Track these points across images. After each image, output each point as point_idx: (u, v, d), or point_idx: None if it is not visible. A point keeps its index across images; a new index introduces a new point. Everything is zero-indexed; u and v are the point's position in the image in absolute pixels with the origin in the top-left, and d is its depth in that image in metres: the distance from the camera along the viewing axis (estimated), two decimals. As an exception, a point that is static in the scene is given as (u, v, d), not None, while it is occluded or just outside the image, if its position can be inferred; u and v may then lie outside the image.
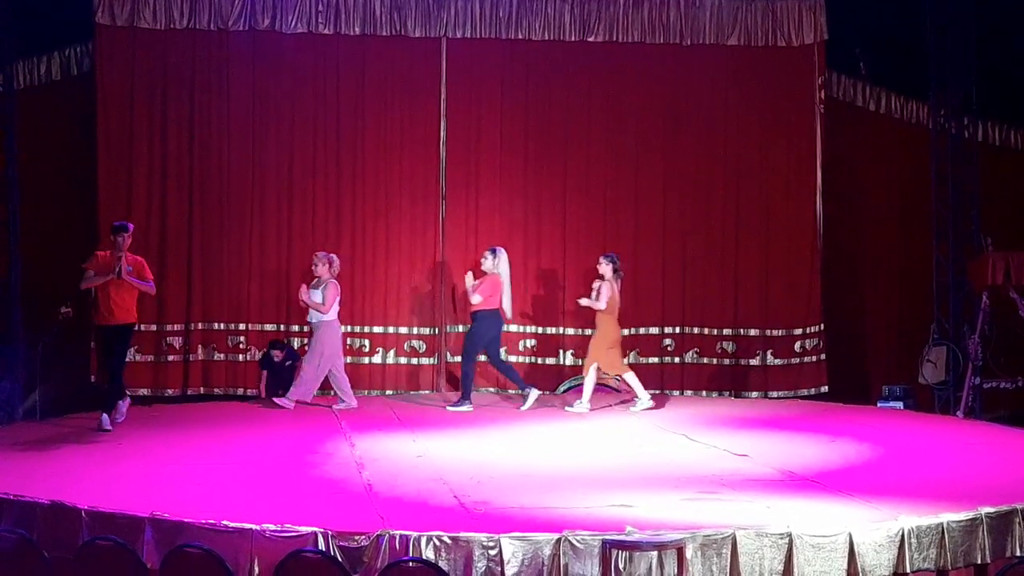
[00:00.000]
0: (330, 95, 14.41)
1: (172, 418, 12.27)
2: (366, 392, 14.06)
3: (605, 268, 12.97)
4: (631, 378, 13.06)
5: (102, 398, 11.60)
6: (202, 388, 13.93)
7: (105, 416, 11.30)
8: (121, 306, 11.34)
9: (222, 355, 14.09)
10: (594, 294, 12.96)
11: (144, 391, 13.67)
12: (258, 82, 14.26)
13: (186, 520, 7.55)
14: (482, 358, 13.48)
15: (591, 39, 14.64)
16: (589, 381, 12.99)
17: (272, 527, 7.36)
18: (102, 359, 12.15)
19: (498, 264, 13.14)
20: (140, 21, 13.93)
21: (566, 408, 12.94)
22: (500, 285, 13.09)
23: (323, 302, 12.66)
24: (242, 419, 12.28)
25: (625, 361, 13.48)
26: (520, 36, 14.57)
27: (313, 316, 12.78)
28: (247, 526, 7.38)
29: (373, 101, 14.48)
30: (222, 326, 14.07)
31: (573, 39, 14.62)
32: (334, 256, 13.13)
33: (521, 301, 14.48)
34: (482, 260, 13.24)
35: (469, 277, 13.23)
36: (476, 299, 12.98)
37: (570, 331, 14.60)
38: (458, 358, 14.06)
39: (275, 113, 14.31)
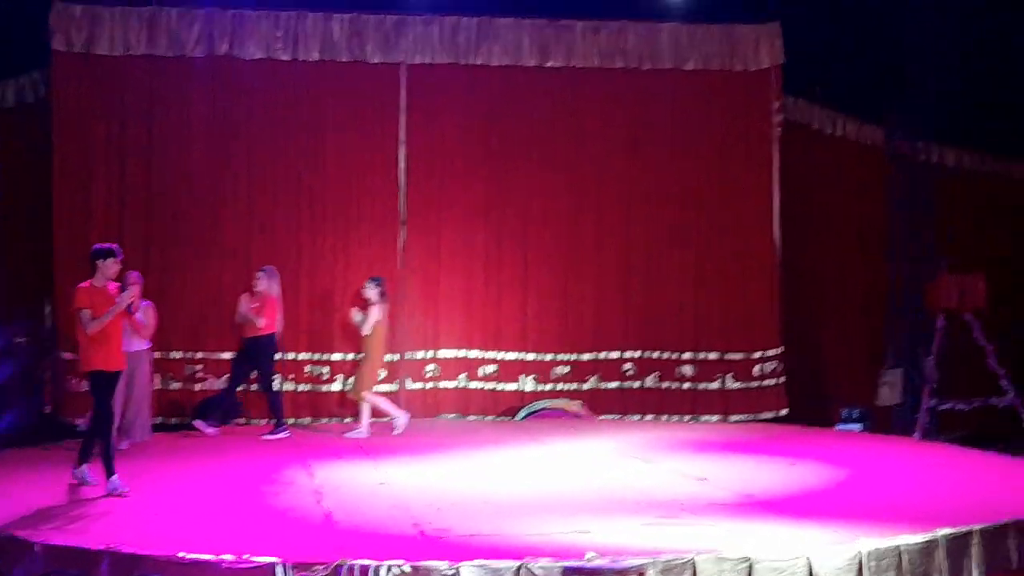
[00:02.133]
0: (290, 120, 14.39)
1: (129, 448, 12.12)
2: (326, 420, 13.99)
3: (371, 292, 12.91)
4: (384, 402, 13.09)
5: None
6: (160, 418, 13.78)
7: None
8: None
9: (179, 384, 13.98)
10: (359, 314, 12.91)
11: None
12: (217, 108, 14.22)
13: (143, 552, 7.45)
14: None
15: (550, 64, 14.71)
16: (367, 407, 12.95)
17: (230, 558, 7.28)
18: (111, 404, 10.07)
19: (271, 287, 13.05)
20: (97, 48, 13.87)
21: (345, 435, 12.86)
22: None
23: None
24: (200, 448, 12.18)
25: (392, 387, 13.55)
26: (479, 62, 14.61)
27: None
28: (205, 557, 7.30)
29: (332, 126, 14.47)
30: (179, 355, 13.97)
31: (532, 64, 14.69)
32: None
33: (483, 326, 14.49)
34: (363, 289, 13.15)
35: (355, 312, 13.10)
36: (367, 329, 12.89)
37: (530, 356, 14.59)
38: (418, 385, 14.05)
39: (234, 139, 14.26)
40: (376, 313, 12.80)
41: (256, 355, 12.95)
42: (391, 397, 13.70)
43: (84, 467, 9.83)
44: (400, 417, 13.06)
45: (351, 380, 13.45)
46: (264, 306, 12.85)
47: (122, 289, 9.98)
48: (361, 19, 14.39)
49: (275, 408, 13.01)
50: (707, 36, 14.94)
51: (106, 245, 9.98)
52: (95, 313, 9.57)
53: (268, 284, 13.00)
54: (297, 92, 14.41)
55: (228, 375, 13.29)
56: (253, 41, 14.17)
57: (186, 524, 8.56)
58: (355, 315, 13.01)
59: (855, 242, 15.34)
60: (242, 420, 13.88)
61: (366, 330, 12.80)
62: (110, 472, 9.56)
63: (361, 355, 13.11)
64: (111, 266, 9.80)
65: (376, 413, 13.08)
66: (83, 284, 9.76)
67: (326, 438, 12.69)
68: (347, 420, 13.77)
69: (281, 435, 12.74)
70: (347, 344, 14.22)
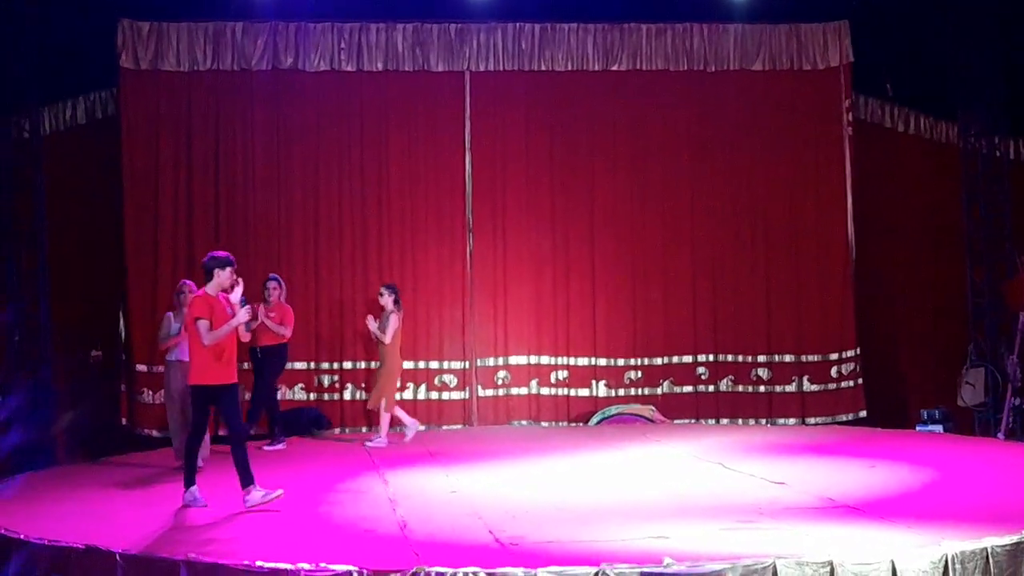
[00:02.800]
0: (354, 131, 14.45)
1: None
2: (397, 428, 13.99)
3: (387, 300, 12.65)
4: (401, 414, 12.85)
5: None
6: (221, 431, 13.84)
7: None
8: None
9: (248, 393, 14.02)
10: (377, 324, 12.61)
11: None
12: (282, 120, 14.32)
13: (221, 562, 7.47)
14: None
15: (615, 68, 14.64)
16: (386, 417, 12.75)
17: (307, 566, 7.27)
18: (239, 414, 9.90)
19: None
20: (164, 64, 14.02)
21: (366, 444, 12.67)
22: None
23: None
24: (274, 458, 12.21)
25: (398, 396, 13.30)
26: (543, 68, 14.57)
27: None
28: (282, 566, 7.30)
29: (397, 136, 14.50)
30: (249, 365, 14.02)
31: (596, 68, 14.62)
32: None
33: (553, 331, 14.44)
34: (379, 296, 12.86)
35: (371, 320, 12.80)
36: (387, 338, 12.66)
37: (601, 361, 14.50)
38: (490, 392, 14.04)
39: (300, 151, 14.34)
40: (395, 321, 12.63)
41: (268, 364, 12.74)
42: (404, 405, 13.59)
43: (193, 488, 9.49)
44: (412, 427, 12.88)
45: (372, 391, 13.17)
46: (284, 315, 12.73)
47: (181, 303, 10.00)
48: (424, 28, 14.42)
49: (276, 419, 12.81)
50: (774, 36, 14.80)
51: (222, 253, 9.58)
52: (213, 325, 9.20)
53: (282, 293, 12.89)
54: (362, 102, 14.47)
55: (256, 391, 12.87)
56: (317, 53, 14.25)
57: (262, 533, 8.57)
58: (371, 323, 12.71)
59: (931, 241, 15.11)
60: (337, 430, 13.91)
61: (388, 338, 12.63)
62: (190, 483, 9.50)
63: (378, 364, 12.91)
64: (228, 276, 9.42)
65: (393, 422, 12.95)
66: (199, 293, 9.44)
67: (398, 447, 12.67)
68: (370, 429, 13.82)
69: (278, 447, 12.55)
70: (418, 352, 14.22)
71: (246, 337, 9.86)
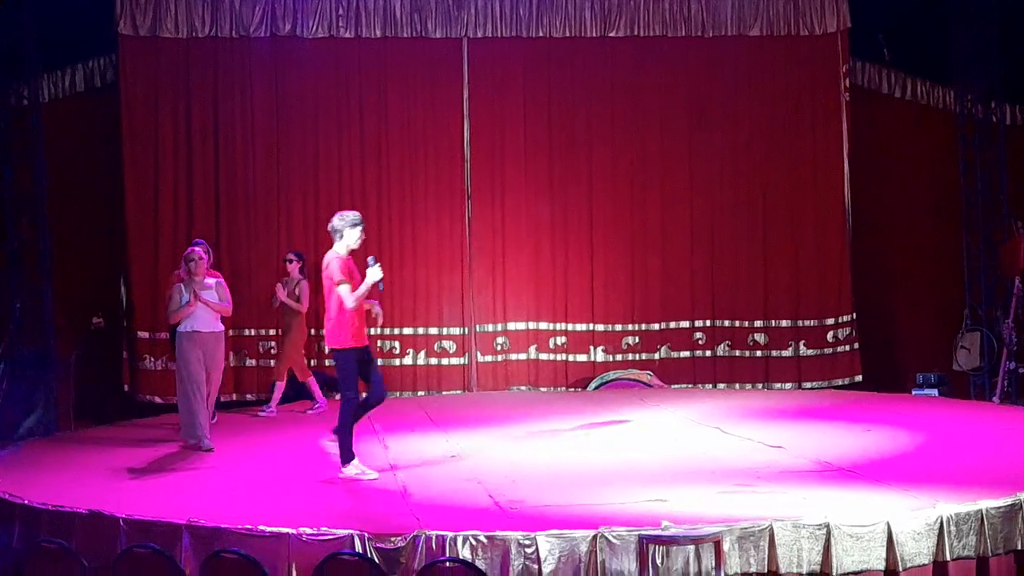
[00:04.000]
0: (353, 98, 14.45)
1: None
2: (398, 394, 14.09)
3: (294, 267, 12.55)
4: (314, 387, 12.76)
5: None
6: (234, 395, 13.95)
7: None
8: None
9: (253, 361, 14.14)
10: (284, 292, 12.49)
11: (172, 399, 13.71)
12: (281, 87, 14.32)
13: (223, 526, 7.56)
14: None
15: (612, 34, 14.62)
16: (281, 387, 12.70)
17: (308, 531, 7.36)
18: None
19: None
20: (162, 31, 14.01)
21: (258, 413, 12.66)
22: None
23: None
24: (274, 424, 12.31)
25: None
26: (541, 34, 14.56)
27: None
28: (283, 530, 7.39)
29: (396, 103, 14.50)
30: (252, 332, 14.12)
31: (594, 35, 14.60)
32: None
33: (551, 298, 14.51)
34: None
35: (280, 288, 12.66)
36: (304, 306, 12.60)
37: (599, 327, 14.56)
38: (489, 357, 14.14)
39: (299, 117, 14.35)
40: (306, 288, 12.49)
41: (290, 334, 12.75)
42: (405, 371, 13.77)
43: (355, 460, 9.16)
44: (321, 404, 12.68)
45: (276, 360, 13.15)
46: (303, 290, 12.69)
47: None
48: (423, -6, 14.40)
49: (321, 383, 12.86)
50: (771, 2, 14.75)
51: (351, 213, 9.24)
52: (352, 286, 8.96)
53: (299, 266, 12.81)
54: (360, 69, 14.46)
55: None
56: (316, 20, 14.23)
57: (265, 498, 8.67)
58: (280, 291, 12.54)
59: (928, 206, 15.10)
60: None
61: (305, 306, 12.48)
62: (349, 457, 9.13)
63: (282, 332, 12.83)
64: (358, 235, 9.14)
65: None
66: (336, 255, 9.05)
67: (398, 412, 12.75)
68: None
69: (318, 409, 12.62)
70: (417, 319, 14.30)
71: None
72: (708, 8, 14.68)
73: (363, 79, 14.48)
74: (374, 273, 9.06)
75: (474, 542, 7.23)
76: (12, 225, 12.94)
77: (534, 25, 14.54)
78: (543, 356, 14.44)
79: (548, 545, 7.21)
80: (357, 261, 9.37)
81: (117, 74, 14.04)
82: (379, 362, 14.15)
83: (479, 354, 14.49)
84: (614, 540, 7.21)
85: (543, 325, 14.48)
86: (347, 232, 9.11)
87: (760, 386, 14.59)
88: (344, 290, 8.96)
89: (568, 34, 14.58)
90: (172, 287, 11.01)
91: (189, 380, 10.59)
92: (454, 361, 14.43)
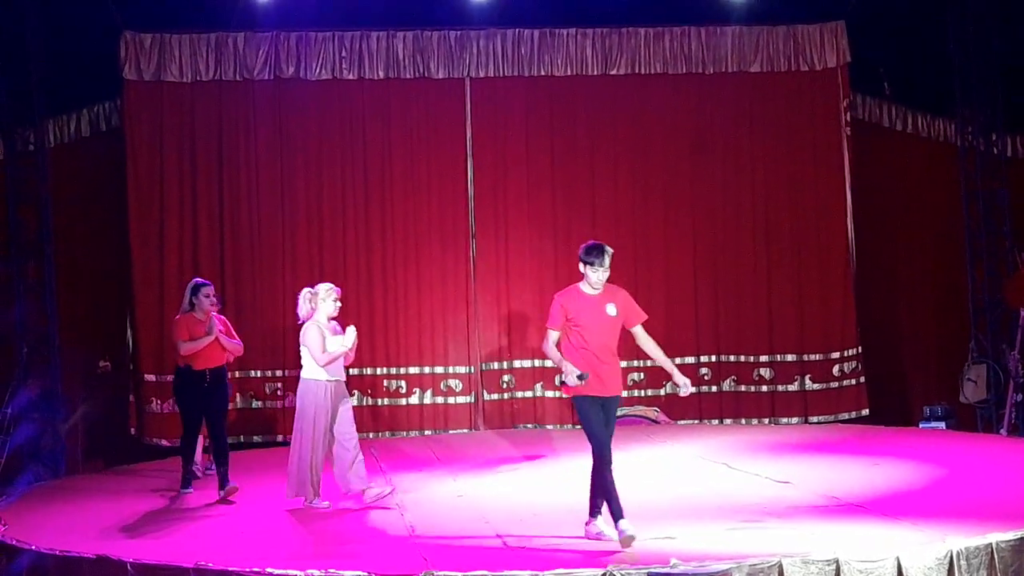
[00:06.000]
0: (356, 139, 14.51)
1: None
2: (404, 433, 14.09)
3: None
4: None
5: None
6: (241, 437, 13.92)
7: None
8: None
9: (260, 402, 14.14)
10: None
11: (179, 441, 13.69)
12: (284, 129, 14.39)
13: (231, 568, 7.53)
14: None
15: (613, 72, 14.69)
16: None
17: (317, 572, 7.34)
18: None
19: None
20: (166, 75, 14.09)
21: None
22: None
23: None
24: (282, 465, 12.27)
25: None
26: (543, 73, 14.63)
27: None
28: (292, 572, 7.37)
29: (399, 143, 14.57)
30: (258, 373, 14.12)
31: (595, 73, 14.67)
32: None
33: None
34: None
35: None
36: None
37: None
38: (495, 396, 14.10)
39: (302, 159, 14.41)
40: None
41: None
42: (411, 410, 13.91)
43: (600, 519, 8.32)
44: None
45: None
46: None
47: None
48: (424, 36, 14.48)
49: None
50: (771, 38, 14.84)
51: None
52: None
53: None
54: (363, 110, 14.53)
55: None
56: (319, 62, 14.31)
57: (272, 539, 8.65)
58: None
59: (931, 239, 15.14)
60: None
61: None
62: None
63: None
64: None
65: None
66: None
67: (405, 452, 12.73)
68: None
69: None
70: (423, 357, 14.30)
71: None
72: (708, 46, 14.75)
73: (367, 120, 14.54)
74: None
75: (483, 582, 7.20)
76: (19, 268, 13.00)
77: (536, 64, 14.62)
78: (548, 394, 14.43)
79: (557, 584, 7.18)
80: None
81: (122, 118, 14.12)
82: (385, 401, 14.30)
83: (485, 392, 14.48)
84: (623, 578, 7.18)
85: (548, 363, 14.43)
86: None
87: (767, 421, 14.56)
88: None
89: (570, 72, 14.64)
90: (177, 325, 10.70)
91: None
92: (460, 399, 14.42)
